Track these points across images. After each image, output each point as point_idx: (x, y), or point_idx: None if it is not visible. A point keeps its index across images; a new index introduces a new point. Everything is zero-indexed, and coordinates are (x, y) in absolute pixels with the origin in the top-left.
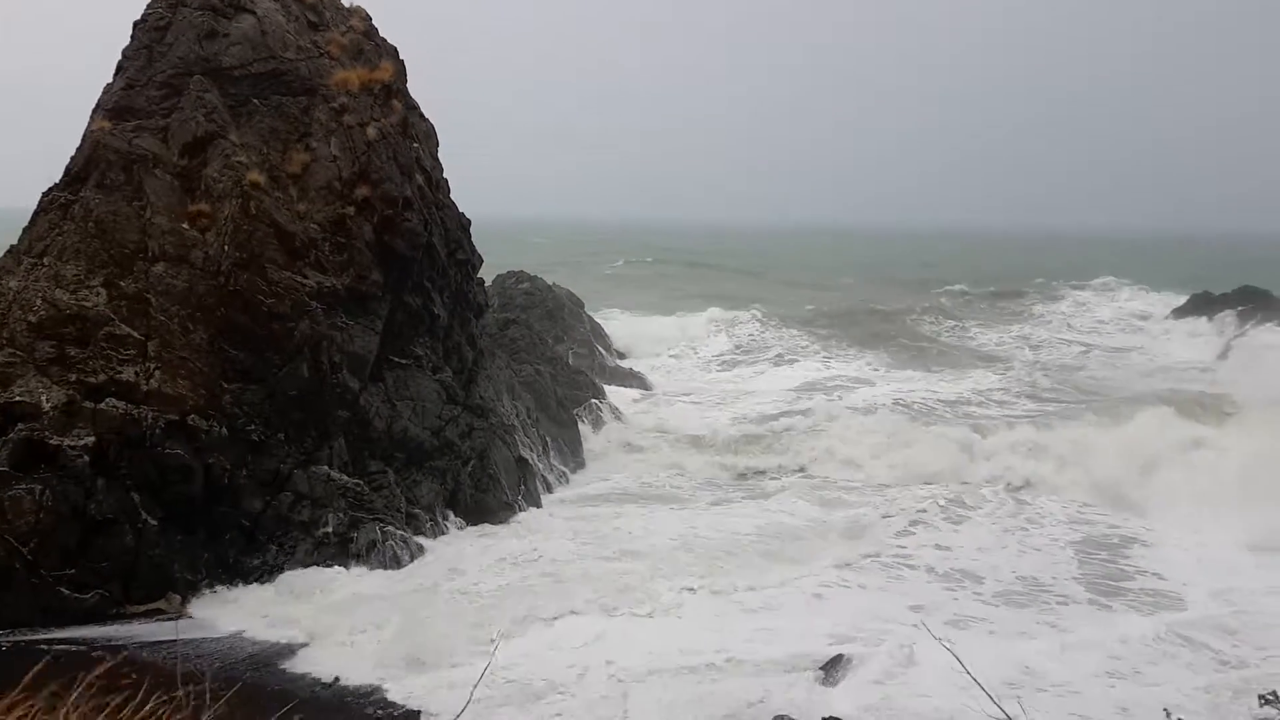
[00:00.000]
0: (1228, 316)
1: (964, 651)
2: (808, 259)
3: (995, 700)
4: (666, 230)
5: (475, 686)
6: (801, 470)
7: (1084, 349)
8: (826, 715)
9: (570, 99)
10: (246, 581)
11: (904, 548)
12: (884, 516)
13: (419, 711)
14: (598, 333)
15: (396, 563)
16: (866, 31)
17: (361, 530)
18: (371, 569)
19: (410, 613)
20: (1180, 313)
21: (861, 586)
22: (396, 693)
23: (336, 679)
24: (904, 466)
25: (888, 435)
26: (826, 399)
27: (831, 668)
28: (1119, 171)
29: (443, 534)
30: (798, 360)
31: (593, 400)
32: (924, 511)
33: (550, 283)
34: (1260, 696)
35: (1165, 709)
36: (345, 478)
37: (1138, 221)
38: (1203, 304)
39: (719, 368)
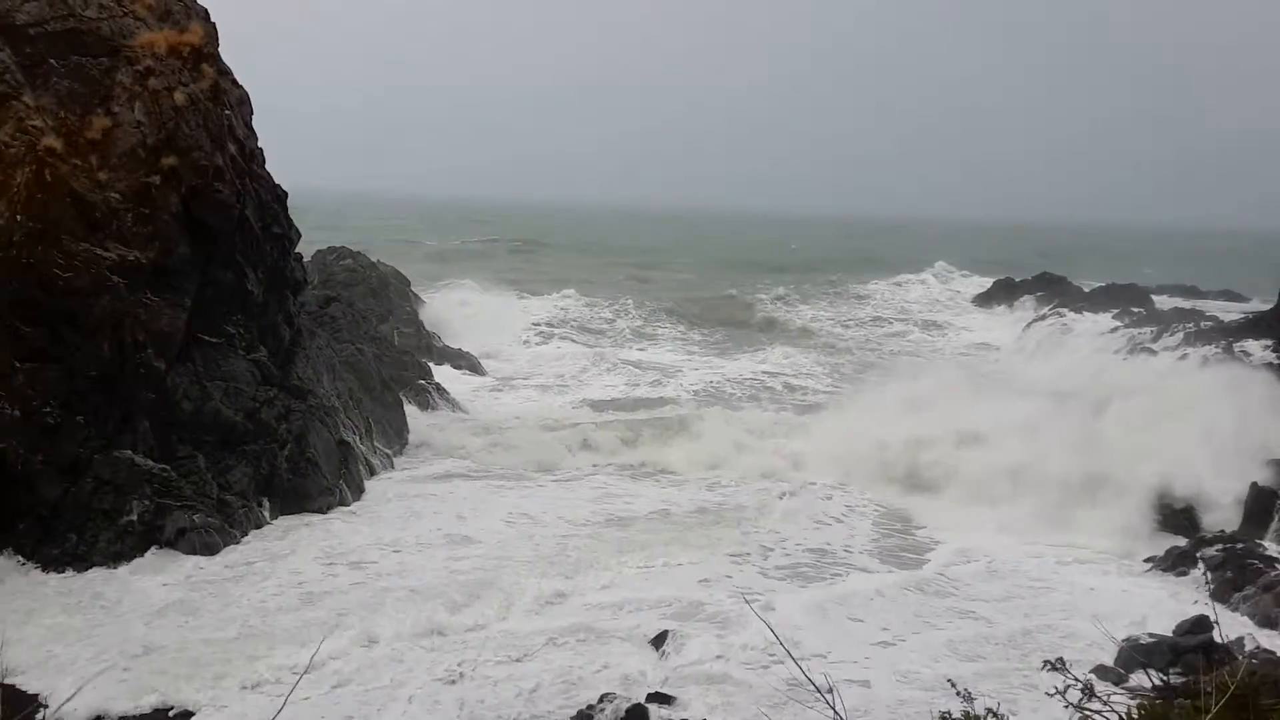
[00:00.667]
0: (1027, 301)
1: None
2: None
3: (806, 673)
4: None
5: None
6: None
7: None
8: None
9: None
10: (45, 571)
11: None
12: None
13: None
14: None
15: (209, 550)
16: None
17: (169, 518)
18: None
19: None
20: (983, 299)
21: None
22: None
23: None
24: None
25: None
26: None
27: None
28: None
29: (255, 526)
30: (637, 346)
31: (419, 381)
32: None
33: (375, 259)
34: (1046, 661)
35: (949, 680)
36: (151, 463)
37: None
38: (1005, 290)
39: (552, 355)
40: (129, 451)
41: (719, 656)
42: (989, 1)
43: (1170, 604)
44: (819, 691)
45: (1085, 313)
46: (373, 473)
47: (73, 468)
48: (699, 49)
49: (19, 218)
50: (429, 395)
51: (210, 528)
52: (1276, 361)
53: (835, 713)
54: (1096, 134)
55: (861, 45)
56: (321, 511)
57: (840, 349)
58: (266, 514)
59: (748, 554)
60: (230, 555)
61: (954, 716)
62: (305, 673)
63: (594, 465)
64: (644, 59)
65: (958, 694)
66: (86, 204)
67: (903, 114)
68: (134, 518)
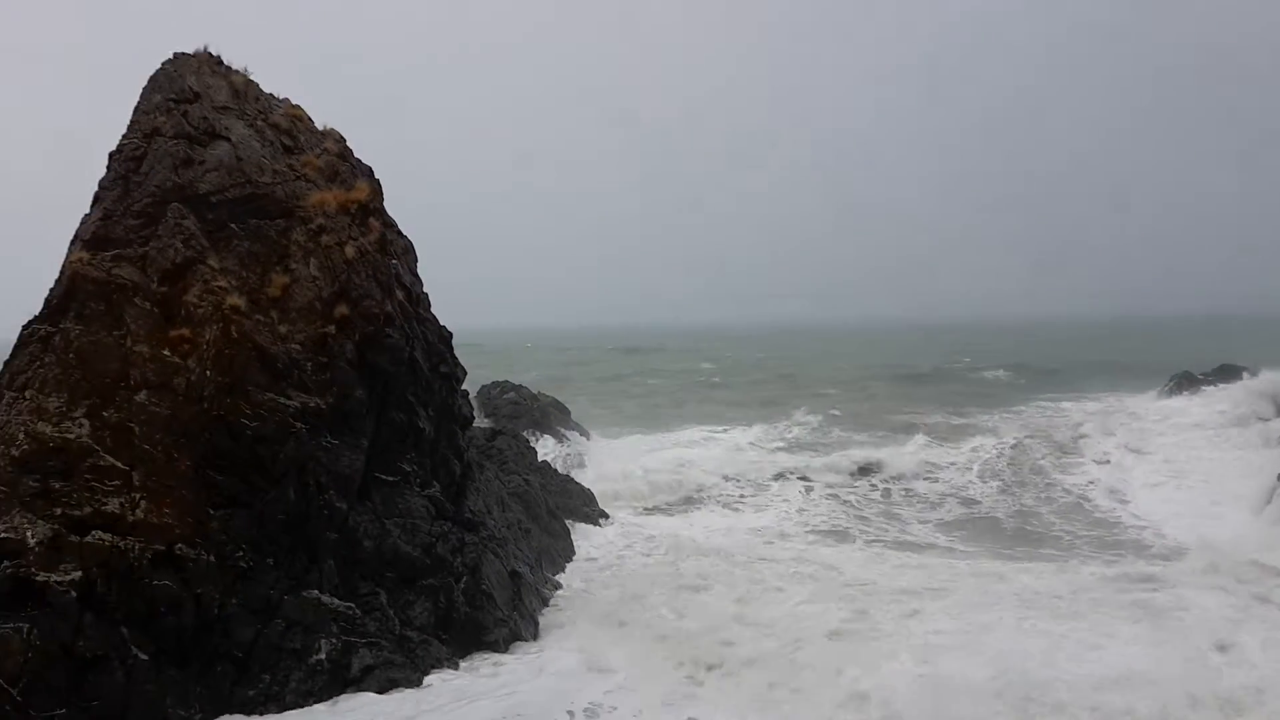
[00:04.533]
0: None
1: None
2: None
3: None
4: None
5: None
6: None
7: None
8: None
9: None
10: (245, 714)
11: None
12: None
13: None
14: (585, 438)
15: (393, 685)
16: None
17: (355, 656)
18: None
19: None
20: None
21: None
22: None
23: None
24: None
25: None
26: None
27: None
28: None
29: (435, 664)
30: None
31: (585, 508)
32: None
33: (535, 391)
34: None
35: None
36: (336, 601)
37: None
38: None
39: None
40: (315, 591)
41: None
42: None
43: None
44: None
45: None
46: (545, 603)
47: (264, 609)
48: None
49: (208, 373)
50: (595, 521)
51: (394, 664)
52: None
53: None
54: None
55: None
56: (498, 649)
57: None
58: (445, 650)
59: None
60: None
61: None
62: None
63: None
64: None
65: None
66: (269, 356)
67: None
68: (322, 656)
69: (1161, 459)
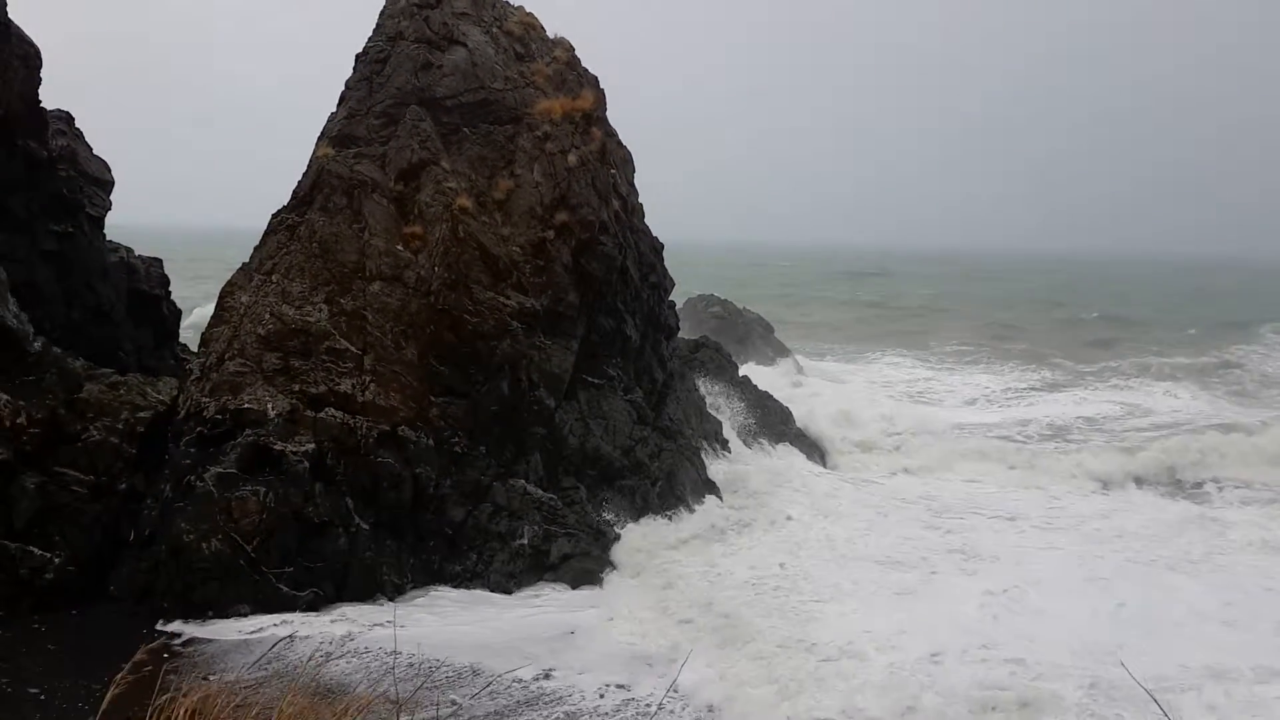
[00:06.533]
0: None
1: None
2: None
3: None
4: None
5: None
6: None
7: None
8: None
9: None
10: (451, 586)
11: None
12: None
13: None
14: (786, 358)
15: (589, 580)
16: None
17: (554, 544)
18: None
19: None
20: None
21: None
22: None
23: None
24: None
25: None
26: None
27: None
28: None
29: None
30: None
31: (781, 426)
32: None
33: (741, 307)
34: None
35: None
36: (540, 492)
37: None
38: None
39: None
40: (522, 481)
41: None
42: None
43: None
44: None
45: None
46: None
47: (475, 493)
48: None
49: (437, 269)
50: (788, 438)
51: (589, 555)
52: None
53: None
54: None
55: None
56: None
57: None
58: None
59: None
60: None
61: None
62: None
63: None
64: None
65: None
66: (492, 257)
67: None
68: (524, 541)
69: None
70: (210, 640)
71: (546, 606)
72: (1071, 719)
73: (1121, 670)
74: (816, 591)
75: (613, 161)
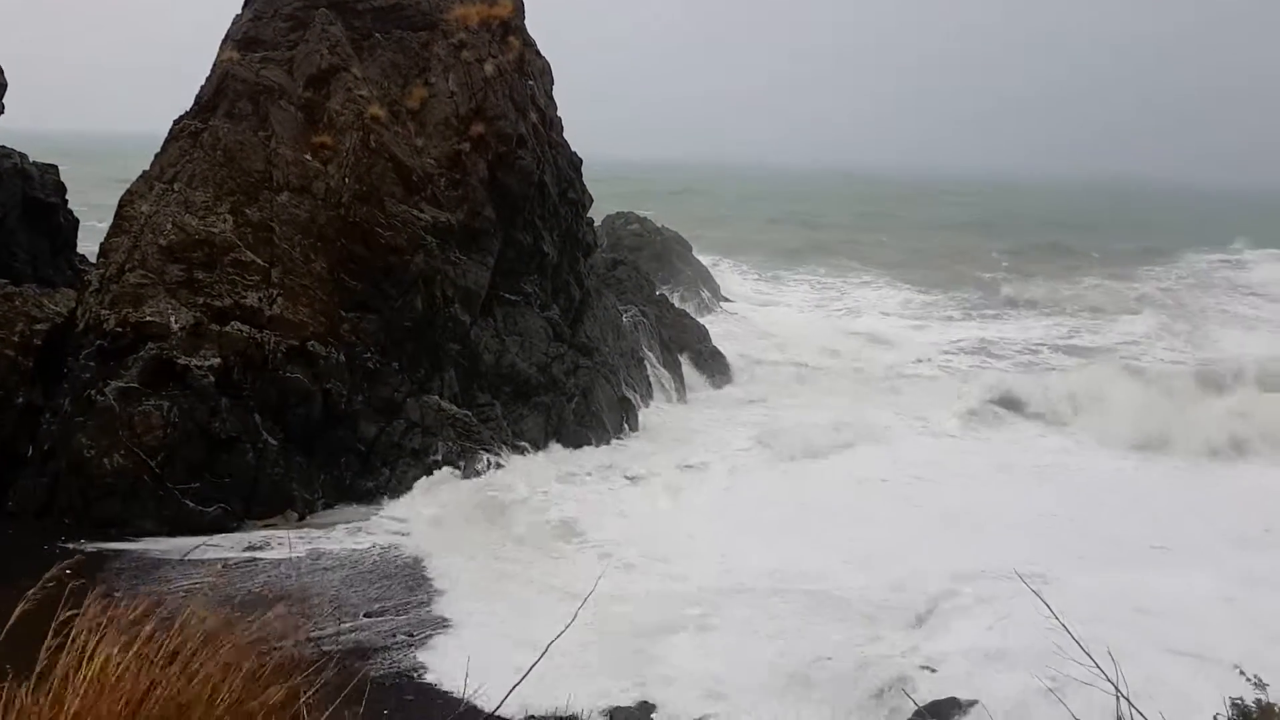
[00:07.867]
0: None
1: None
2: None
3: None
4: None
5: None
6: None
7: None
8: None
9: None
10: (361, 503)
11: None
12: None
13: None
14: (704, 276)
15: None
16: None
17: (469, 460)
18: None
19: None
20: None
21: None
22: None
23: None
24: None
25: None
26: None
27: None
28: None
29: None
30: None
31: (697, 345)
32: None
33: (659, 225)
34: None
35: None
36: (455, 408)
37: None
38: None
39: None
40: (436, 397)
41: None
42: None
43: None
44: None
45: None
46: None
47: (387, 409)
48: None
49: (347, 180)
50: (704, 356)
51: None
52: None
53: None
54: None
55: None
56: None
57: None
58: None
59: None
60: None
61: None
62: None
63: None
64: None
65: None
66: (405, 168)
67: None
68: (438, 457)
69: None
70: (116, 554)
71: None
72: None
73: None
74: None
75: (530, 72)
